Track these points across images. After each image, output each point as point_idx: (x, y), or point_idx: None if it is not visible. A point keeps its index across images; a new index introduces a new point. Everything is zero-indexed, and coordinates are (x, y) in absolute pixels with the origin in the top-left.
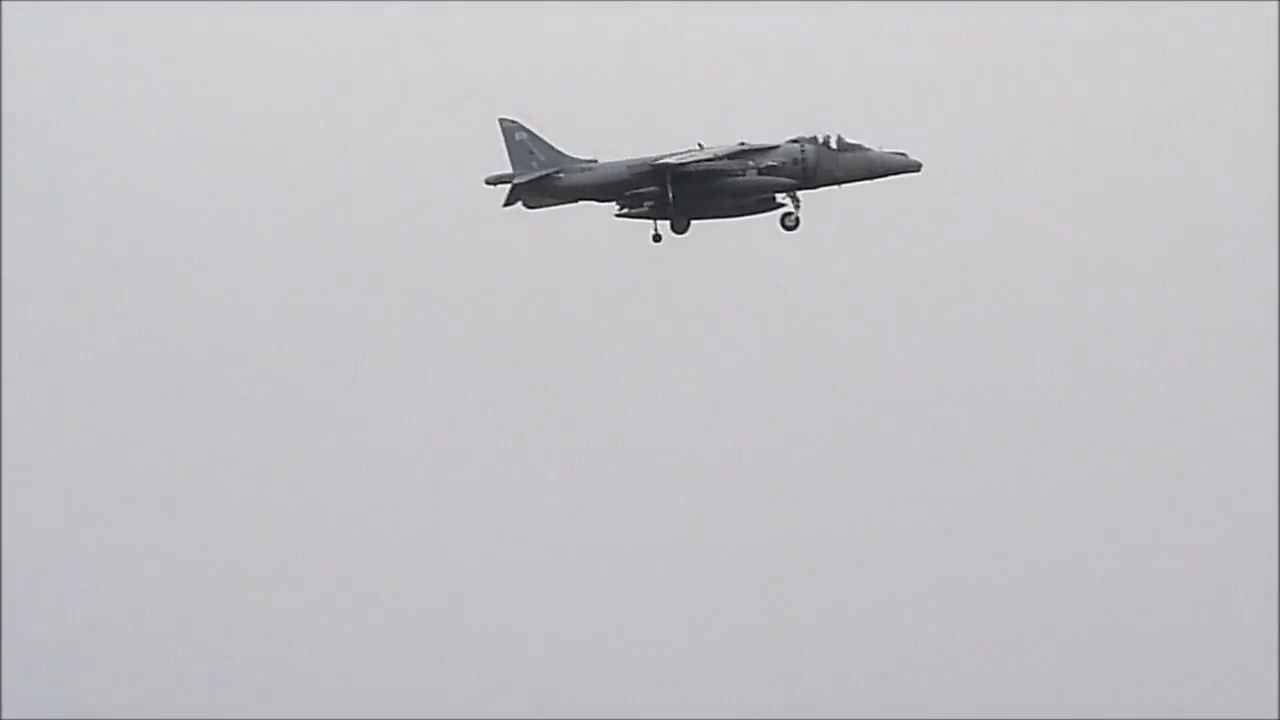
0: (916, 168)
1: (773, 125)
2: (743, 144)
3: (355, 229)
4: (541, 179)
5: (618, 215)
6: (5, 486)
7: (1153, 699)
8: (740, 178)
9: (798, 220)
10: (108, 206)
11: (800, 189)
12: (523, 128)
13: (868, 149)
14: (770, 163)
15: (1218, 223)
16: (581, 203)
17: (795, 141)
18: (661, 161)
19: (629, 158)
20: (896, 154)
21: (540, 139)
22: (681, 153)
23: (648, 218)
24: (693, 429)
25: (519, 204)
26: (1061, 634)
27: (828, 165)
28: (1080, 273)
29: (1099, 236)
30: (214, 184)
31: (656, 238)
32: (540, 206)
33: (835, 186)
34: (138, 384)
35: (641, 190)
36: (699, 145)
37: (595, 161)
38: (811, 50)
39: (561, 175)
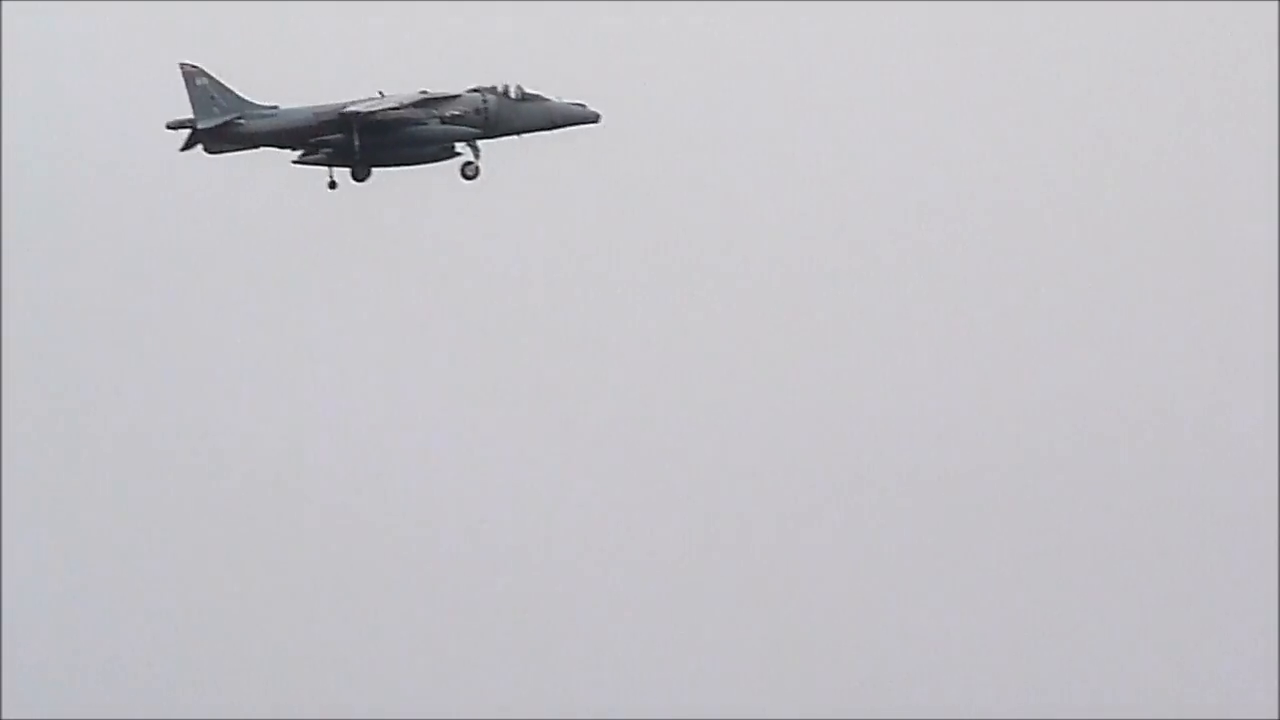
0: (595, 119)
1: (451, 75)
2: (424, 93)
3: (34, 173)
4: (223, 125)
5: (295, 162)
6: (5, 487)
7: (1153, 699)
8: (423, 126)
9: (477, 169)
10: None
11: (482, 138)
12: (204, 73)
13: (547, 99)
14: (453, 112)
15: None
16: (262, 149)
17: (476, 91)
18: (347, 110)
19: (311, 105)
20: (575, 105)
21: (222, 85)
22: (365, 100)
23: (326, 164)
24: (363, 379)
25: (198, 148)
26: (1055, 633)
27: (508, 115)
28: (773, 222)
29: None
30: None
31: (332, 185)
32: (221, 152)
33: (515, 136)
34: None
35: (325, 138)
36: (380, 93)
37: (277, 108)
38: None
39: (243, 121)
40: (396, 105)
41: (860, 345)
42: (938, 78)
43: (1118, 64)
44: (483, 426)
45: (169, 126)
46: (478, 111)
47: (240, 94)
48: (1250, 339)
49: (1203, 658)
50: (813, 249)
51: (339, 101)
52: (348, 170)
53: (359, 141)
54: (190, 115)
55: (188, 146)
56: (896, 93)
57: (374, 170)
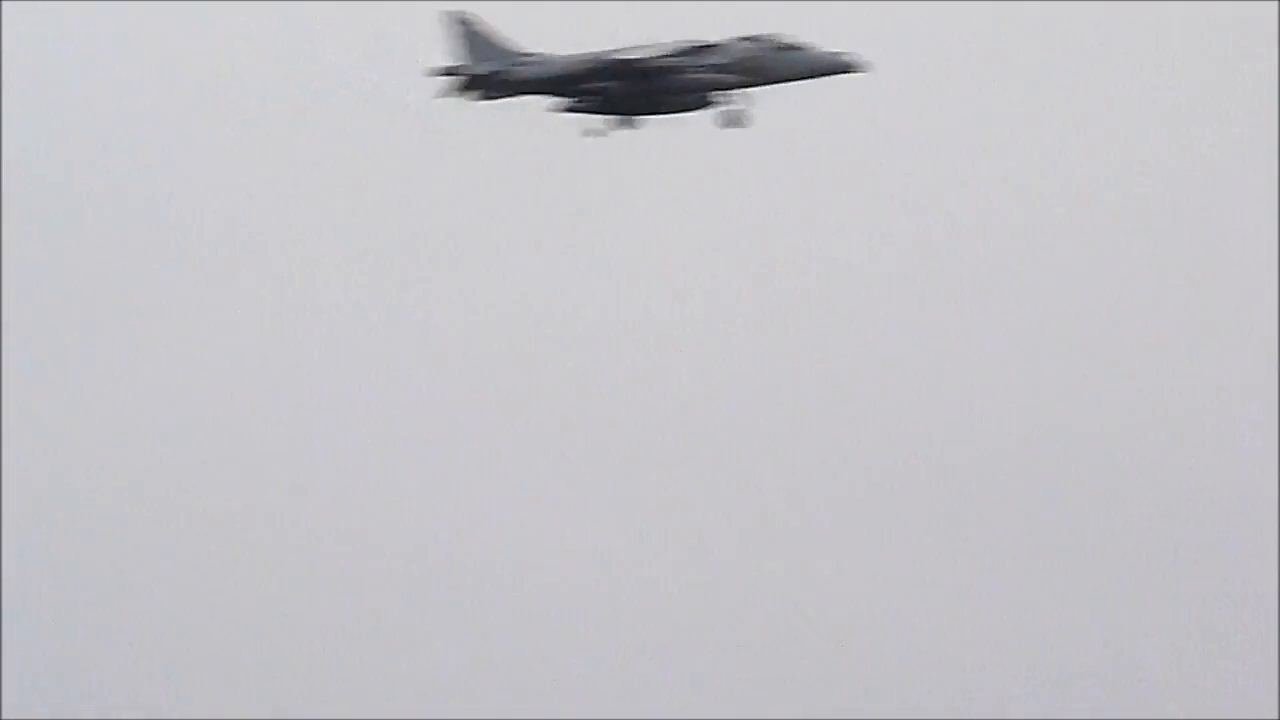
0: (860, 68)
1: (711, 25)
2: (690, 42)
3: (298, 120)
4: (491, 72)
5: (560, 110)
6: (5, 486)
7: (1153, 699)
8: (688, 75)
9: (742, 117)
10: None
11: (745, 87)
12: (470, 20)
13: (811, 48)
14: (717, 60)
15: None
16: (525, 97)
17: (741, 40)
18: (614, 57)
19: (578, 53)
20: (837, 54)
21: (487, 32)
22: (630, 49)
23: (590, 112)
24: (627, 323)
25: (465, 96)
26: (1057, 632)
27: (770, 64)
28: (1024, 186)
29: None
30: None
31: (597, 132)
32: (486, 99)
33: (777, 84)
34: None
35: (590, 85)
36: (644, 43)
37: (541, 56)
38: None
39: (511, 69)
40: (663, 54)
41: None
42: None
43: (1116, 64)
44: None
45: (437, 73)
46: (741, 60)
47: (506, 42)
48: (1252, 340)
49: (1203, 658)
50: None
51: (605, 49)
52: (611, 117)
53: (623, 89)
54: (456, 62)
55: (455, 93)
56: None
57: (637, 118)
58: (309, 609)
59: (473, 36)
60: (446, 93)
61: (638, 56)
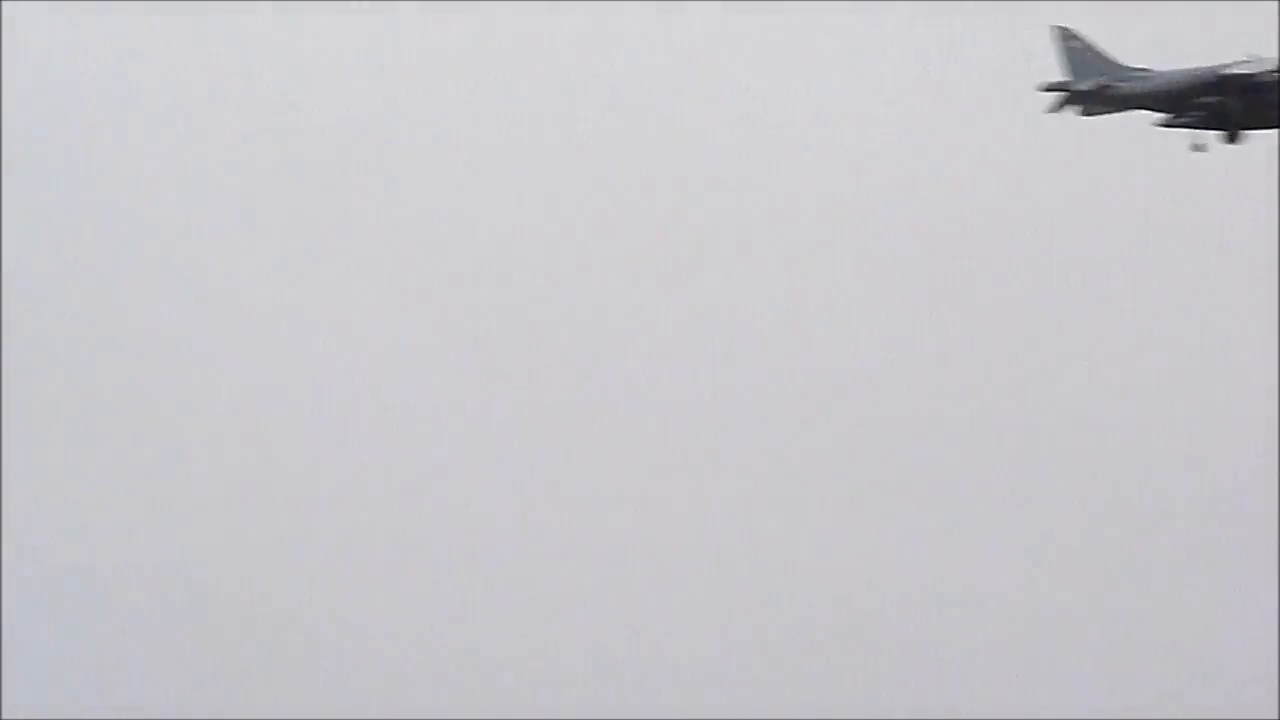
0: None
1: None
2: None
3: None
4: (1099, 88)
5: (1160, 124)
6: (5, 489)
7: (1153, 699)
8: None
9: None
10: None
11: None
12: (1078, 36)
13: None
14: None
15: None
16: (1134, 111)
17: None
18: (1220, 72)
19: (1184, 68)
20: None
21: (1095, 48)
22: (1240, 63)
23: (1195, 127)
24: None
25: (1071, 110)
26: (1059, 632)
27: None
28: None
29: None
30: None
31: (1199, 148)
32: (1093, 114)
33: None
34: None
35: (1196, 100)
36: (1246, 57)
37: (1147, 71)
38: None
39: (1116, 84)
40: (1270, 69)
41: None
42: None
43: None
44: None
45: (1044, 89)
46: None
47: (1112, 57)
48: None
49: (1203, 658)
50: None
51: (1212, 64)
52: (1217, 132)
53: (1233, 104)
54: (1063, 78)
55: (1062, 108)
56: None
57: (1242, 133)
58: (310, 610)
59: (1080, 52)
60: (1055, 107)
61: (1244, 71)
